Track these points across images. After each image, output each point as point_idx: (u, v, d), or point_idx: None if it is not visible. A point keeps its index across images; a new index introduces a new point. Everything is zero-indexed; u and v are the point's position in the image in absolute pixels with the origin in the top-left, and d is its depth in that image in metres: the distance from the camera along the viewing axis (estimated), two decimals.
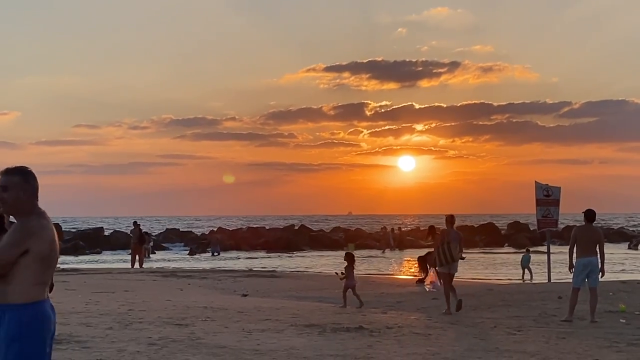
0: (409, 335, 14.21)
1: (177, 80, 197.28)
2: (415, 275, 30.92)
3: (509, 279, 33.83)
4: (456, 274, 19.39)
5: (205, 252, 59.79)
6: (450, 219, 19.71)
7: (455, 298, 18.64)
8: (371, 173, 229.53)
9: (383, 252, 59.77)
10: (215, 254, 57.38)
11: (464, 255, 21.31)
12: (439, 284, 20.65)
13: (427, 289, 24.65)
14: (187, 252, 59.65)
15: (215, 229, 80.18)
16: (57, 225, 56.98)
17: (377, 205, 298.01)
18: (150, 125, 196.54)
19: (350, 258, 20.53)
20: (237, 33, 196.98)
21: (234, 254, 58.94)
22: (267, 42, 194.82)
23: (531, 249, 36.76)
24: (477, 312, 18.40)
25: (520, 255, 37.91)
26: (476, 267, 42.84)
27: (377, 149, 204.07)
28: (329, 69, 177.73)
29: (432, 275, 23.94)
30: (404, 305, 20.03)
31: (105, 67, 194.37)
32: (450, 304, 18.55)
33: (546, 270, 29.09)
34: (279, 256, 56.49)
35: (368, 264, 47.34)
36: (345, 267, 20.33)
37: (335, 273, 22.19)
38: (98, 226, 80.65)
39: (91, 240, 64.19)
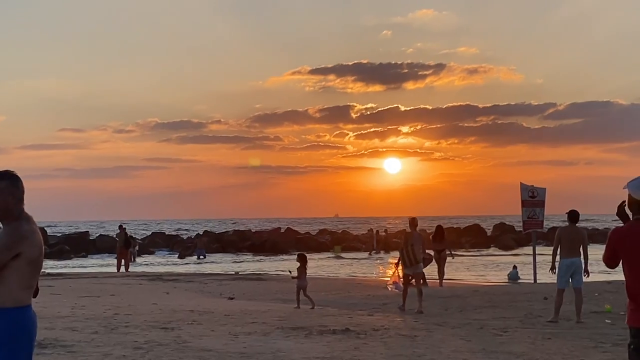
0: (395, 337, 14.22)
1: (163, 83, 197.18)
2: (402, 278, 30.87)
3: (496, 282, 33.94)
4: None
5: (192, 255, 59.62)
6: (413, 221, 20.40)
7: (419, 298, 19.21)
8: (357, 175, 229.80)
9: (370, 254, 59.84)
10: (202, 257, 57.24)
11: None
12: (400, 285, 21.07)
13: (390, 289, 25.13)
14: (177, 255, 59.40)
15: (201, 233, 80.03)
16: (42, 230, 56.93)
17: (364, 208, 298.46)
18: (136, 128, 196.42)
19: (302, 259, 20.84)
20: (222, 36, 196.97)
21: (219, 257, 58.87)
22: (253, 45, 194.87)
23: (517, 265, 36.25)
24: (463, 314, 18.43)
25: (507, 259, 38.20)
26: (462, 269, 42.94)
27: (363, 151, 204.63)
28: (314, 71, 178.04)
29: (395, 275, 24.38)
30: (390, 307, 20.04)
31: (90, 70, 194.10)
32: (405, 301, 19.30)
33: (532, 271, 29.16)
34: (265, 259, 56.46)
35: (354, 266, 47.40)
36: (297, 268, 20.54)
37: (289, 272, 22.30)
38: (83, 230, 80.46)
39: (77, 245, 63.95)
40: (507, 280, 33.39)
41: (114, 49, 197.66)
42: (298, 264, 20.70)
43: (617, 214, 6.68)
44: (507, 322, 16.63)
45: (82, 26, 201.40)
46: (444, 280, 28.89)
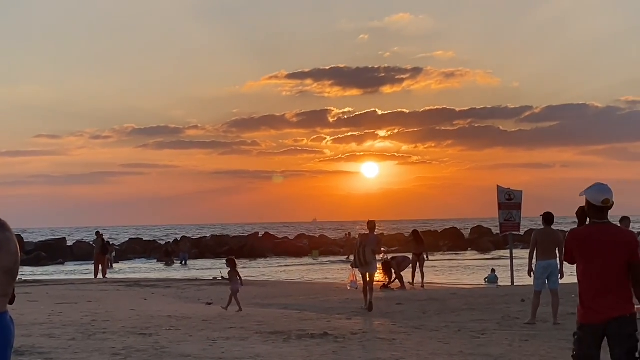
0: (374, 340, 14.25)
1: (139, 89, 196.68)
2: (380, 281, 31.02)
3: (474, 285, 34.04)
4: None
5: (176, 261, 59.19)
6: (370, 224, 21.78)
7: (368, 299, 20.34)
8: (335, 180, 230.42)
9: (348, 258, 59.86)
10: (184, 262, 57.20)
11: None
12: (356, 283, 23.06)
13: (348, 287, 26.52)
14: (163, 263, 58.83)
15: (179, 238, 79.75)
16: (18, 237, 56.53)
17: (342, 212, 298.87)
18: (112, 134, 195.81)
19: (232, 263, 21.09)
20: (198, 41, 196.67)
21: (199, 262, 58.66)
22: (229, 50, 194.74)
23: (495, 268, 36.38)
24: (441, 317, 18.49)
25: (485, 267, 38.24)
26: (440, 272, 43.08)
27: (340, 156, 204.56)
28: (291, 76, 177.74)
29: (352, 274, 25.31)
30: (368, 312, 20.05)
31: (66, 76, 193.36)
32: (366, 301, 20.41)
33: (509, 274, 29.31)
34: (243, 264, 56.39)
35: (332, 270, 47.44)
36: (229, 272, 20.76)
37: (222, 277, 22.53)
38: (60, 237, 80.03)
39: (53, 251, 63.60)
40: (484, 284, 33.48)
41: (90, 54, 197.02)
42: (229, 269, 20.99)
43: (577, 215, 7.39)
44: (484, 324, 16.70)
45: (57, 32, 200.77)
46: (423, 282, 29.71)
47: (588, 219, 7.34)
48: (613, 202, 7.29)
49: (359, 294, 24.27)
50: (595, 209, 7.23)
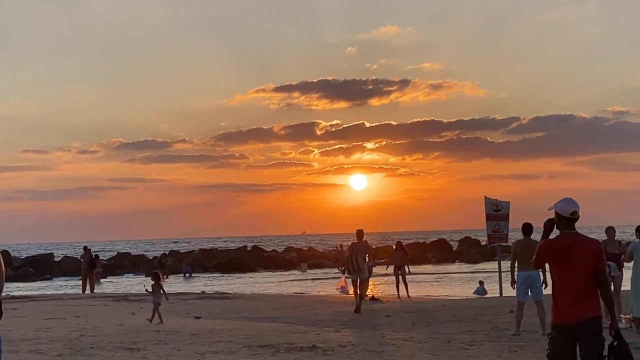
0: (362, 352, 14.23)
1: (126, 103, 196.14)
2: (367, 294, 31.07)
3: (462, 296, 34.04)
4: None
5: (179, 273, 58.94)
6: (359, 233, 23.15)
7: (357, 301, 22.54)
8: (323, 192, 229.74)
9: (339, 269, 59.81)
10: (187, 274, 57.15)
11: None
12: (347, 289, 24.51)
13: (338, 292, 27.88)
14: (144, 275, 58.58)
15: (167, 252, 79.53)
16: (5, 252, 56.33)
17: (331, 224, 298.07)
18: (100, 149, 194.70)
19: (156, 277, 21.59)
20: (185, 55, 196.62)
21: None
22: (216, 63, 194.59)
23: (483, 280, 36.47)
24: (430, 328, 18.50)
25: (474, 279, 38.19)
26: (428, 284, 43.11)
27: (328, 168, 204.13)
28: (278, 89, 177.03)
29: (342, 281, 25.99)
30: (357, 323, 20.07)
31: (53, 91, 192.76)
32: (360, 304, 22.38)
33: (497, 285, 29.33)
34: (231, 277, 56.27)
35: (321, 283, 47.38)
36: (152, 286, 21.22)
37: (146, 290, 22.84)
38: (48, 252, 79.68)
39: (41, 267, 63.26)
40: (473, 295, 33.49)
41: (77, 69, 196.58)
42: (152, 282, 21.41)
43: (545, 225, 8.24)
44: (473, 335, 16.71)
45: (43, 46, 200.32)
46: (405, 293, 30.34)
47: (556, 231, 8.13)
48: (579, 215, 8.06)
49: (348, 307, 24.30)
50: (565, 220, 8.02)
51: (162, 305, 21.35)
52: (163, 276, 56.10)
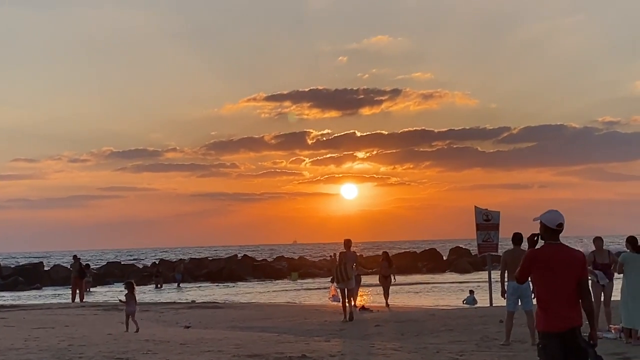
0: None
1: (117, 112, 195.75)
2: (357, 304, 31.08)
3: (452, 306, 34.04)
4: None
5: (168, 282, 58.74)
6: (347, 242, 23.62)
7: (349, 311, 23.23)
8: (314, 201, 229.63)
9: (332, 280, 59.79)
10: (178, 283, 56.97)
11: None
12: (339, 297, 24.48)
13: (330, 301, 28.12)
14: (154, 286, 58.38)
15: (157, 262, 79.40)
16: None
17: (322, 233, 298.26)
18: (91, 157, 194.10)
19: (130, 286, 21.90)
20: (177, 64, 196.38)
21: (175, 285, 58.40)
22: (207, 72, 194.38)
23: (473, 289, 36.52)
24: (419, 338, 18.48)
25: (464, 288, 38.12)
26: (419, 293, 43.11)
27: (319, 178, 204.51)
28: (269, 98, 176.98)
29: (333, 289, 26.88)
30: (346, 333, 20.05)
31: (43, 99, 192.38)
32: (346, 313, 23.09)
33: (487, 294, 29.34)
34: (222, 287, 56.19)
35: (311, 292, 47.33)
36: (125, 295, 21.47)
37: (119, 300, 23.17)
38: (38, 261, 79.44)
39: (31, 276, 63.08)
40: (463, 305, 33.50)
41: (67, 77, 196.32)
42: (126, 291, 21.67)
43: (529, 240, 8.50)
44: (463, 345, 16.70)
45: (34, 55, 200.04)
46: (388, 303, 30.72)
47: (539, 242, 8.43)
48: (564, 226, 8.36)
49: (338, 316, 24.29)
50: (551, 231, 8.28)
51: (151, 314, 21.36)
52: (158, 285, 56.29)
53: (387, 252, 33.49)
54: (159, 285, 56.77)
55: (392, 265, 31.91)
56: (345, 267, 23.10)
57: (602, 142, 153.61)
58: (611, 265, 18.00)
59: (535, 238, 8.42)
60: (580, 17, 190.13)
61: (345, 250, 23.53)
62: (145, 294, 49.48)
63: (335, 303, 26.66)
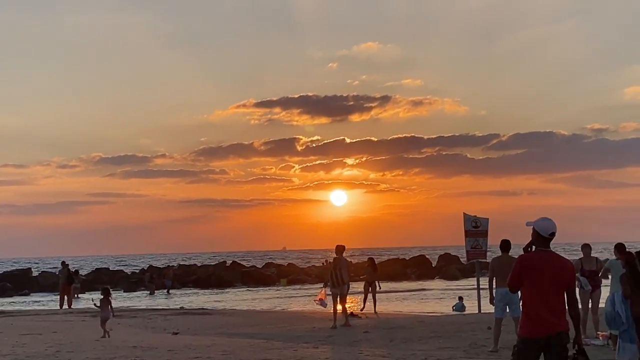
0: None
1: (106, 117, 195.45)
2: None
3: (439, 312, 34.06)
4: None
5: (161, 288, 58.54)
6: (341, 248, 23.72)
7: (343, 317, 23.50)
8: (304, 208, 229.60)
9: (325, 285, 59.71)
10: (168, 290, 56.76)
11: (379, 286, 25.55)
12: (326, 302, 24.83)
13: (316, 304, 27.81)
14: (122, 290, 58.23)
15: (145, 268, 79.27)
16: None
17: (311, 240, 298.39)
18: (80, 163, 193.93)
19: (105, 292, 22.00)
20: (166, 70, 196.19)
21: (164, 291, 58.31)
22: (197, 78, 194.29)
23: (462, 296, 36.65)
24: (408, 344, 18.48)
25: (453, 295, 38.12)
26: (407, 300, 43.10)
27: (308, 184, 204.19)
28: (259, 104, 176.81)
29: (322, 293, 26.58)
30: (335, 340, 20.03)
31: (32, 105, 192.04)
32: (336, 320, 23.13)
33: (476, 301, 29.37)
34: (210, 293, 56.09)
35: (300, 299, 47.29)
36: (100, 300, 21.51)
37: (94, 305, 23.01)
38: (26, 267, 79.18)
39: (18, 282, 62.87)
40: (452, 312, 33.52)
41: (57, 82, 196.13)
42: (101, 297, 21.78)
43: (524, 251, 8.63)
44: (451, 352, 16.71)
45: (23, 60, 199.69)
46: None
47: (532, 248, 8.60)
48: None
49: (327, 322, 24.27)
50: (542, 239, 8.44)
51: (140, 320, 21.31)
52: (152, 291, 56.02)
53: (373, 259, 33.39)
54: (152, 292, 56.62)
55: (376, 271, 31.94)
56: (341, 272, 23.32)
57: (591, 150, 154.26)
58: (598, 272, 18.05)
59: (529, 248, 8.58)
60: (569, 25, 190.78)
61: (338, 256, 23.64)
62: (139, 299, 49.40)
63: (321, 308, 26.63)
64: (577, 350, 8.31)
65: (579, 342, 8.37)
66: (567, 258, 8.75)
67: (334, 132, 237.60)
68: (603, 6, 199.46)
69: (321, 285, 57.21)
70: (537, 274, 8.30)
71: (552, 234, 8.45)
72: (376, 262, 33.39)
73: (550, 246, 8.53)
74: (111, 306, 21.69)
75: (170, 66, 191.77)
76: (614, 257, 17.20)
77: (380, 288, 31.74)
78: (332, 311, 24.12)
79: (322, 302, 26.39)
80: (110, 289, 23.02)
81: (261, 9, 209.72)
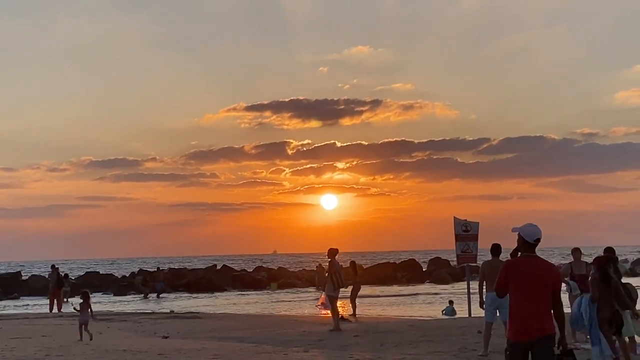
0: None
1: (97, 121, 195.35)
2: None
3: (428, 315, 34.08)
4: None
5: (154, 291, 58.32)
6: (334, 251, 23.67)
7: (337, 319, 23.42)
8: (294, 212, 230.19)
9: (318, 289, 59.67)
10: (159, 294, 56.53)
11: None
12: (329, 305, 24.51)
13: (318, 309, 28.46)
14: (112, 294, 58.00)
15: (136, 271, 79.10)
16: None
17: (302, 244, 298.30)
18: (70, 167, 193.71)
19: (85, 295, 22.02)
20: (157, 73, 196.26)
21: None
22: (188, 81, 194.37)
23: (453, 300, 36.80)
24: (398, 349, 18.48)
25: (443, 299, 38.13)
26: (398, 304, 43.11)
27: (299, 188, 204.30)
28: (250, 108, 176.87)
29: (323, 297, 26.93)
30: (325, 344, 20.01)
31: (22, 108, 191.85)
32: (337, 322, 23.21)
33: (466, 305, 29.38)
34: (201, 297, 56.00)
35: (290, 302, 47.28)
36: (80, 304, 21.64)
37: (74, 309, 23.26)
38: (15, 270, 78.93)
39: (8, 285, 62.62)
40: (442, 316, 33.54)
41: (47, 85, 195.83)
42: (81, 300, 21.85)
43: (511, 256, 9.02)
44: (441, 356, 16.71)
45: (13, 63, 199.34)
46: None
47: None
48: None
49: (317, 326, 24.29)
50: (528, 244, 8.65)
51: (129, 324, 21.26)
52: (146, 294, 55.73)
53: (355, 262, 33.78)
54: (146, 295, 56.38)
55: (357, 274, 32.15)
56: (339, 274, 23.52)
57: (581, 154, 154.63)
58: (588, 276, 18.07)
59: (518, 254, 8.80)
60: (560, 30, 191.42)
61: (332, 259, 23.67)
62: (129, 303, 49.29)
63: (317, 311, 26.77)
64: (562, 351, 8.52)
65: (563, 344, 8.57)
66: (554, 262, 8.86)
67: (324, 136, 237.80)
68: (593, 11, 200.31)
69: (313, 289, 57.69)
70: (523, 279, 8.50)
71: (537, 240, 8.64)
72: (358, 266, 33.70)
73: (546, 250, 8.61)
74: (91, 309, 21.70)
75: (161, 70, 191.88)
76: None
77: (358, 290, 31.87)
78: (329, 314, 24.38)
79: (325, 306, 26.45)
80: (90, 293, 22.97)
81: (252, 12, 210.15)
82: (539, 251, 8.89)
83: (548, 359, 8.45)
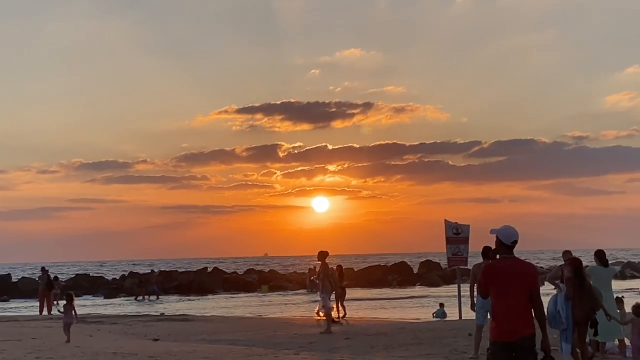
0: None
1: (87, 123, 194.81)
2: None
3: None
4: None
5: (147, 293, 58.12)
6: (325, 254, 23.79)
7: (325, 324, 23.66)
8: (285, 214, 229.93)
9: (314, 292, 59.63)
10: (152, 297, 56.28)
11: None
12: (329, 306, 24.83)
13: (320, 314, 27.58)
14: (102, 297, 57.91)
15: (126, 274, 79.01)
16: None
17: (293, 246, 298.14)
18: (60, 169, 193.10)
19: (68, 297, 22.04)
20: (148, 75, 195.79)
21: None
22: (178, 83, 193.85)
23: (444, 302, 36.89)
24: (389, 351, 18.49)
25: (434, 302, 38.14)
26: (388, 306, 43.14)
27: (290, 190, 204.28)
28: (241, 110, 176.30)
29: (320, 305, 26.70)
30: (316, 346, 20.02)
31: (12, 109, 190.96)
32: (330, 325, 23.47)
33: (457, 308, 29.41)
34: (191, 299, 55.96)
35: (281, 305, 47.26)
36: (64, 306, 21.74)
37: (58, 310, 23.36)
38: (5, 273, 78.74)
39: None
40: (433, 318, 33.56)
41: (37, 87, 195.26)
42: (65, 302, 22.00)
43: (483, 253, 9.75)
44: (432, 358, 16.74)
45: (3, 65, 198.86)
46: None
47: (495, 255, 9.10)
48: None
49: (308, 329, 24.29)
50: (505, 247, 8.81)
51: (120, 327, 21.23)
52: (140, 297, 55.57)
53: (342, 266, 34.09)
54: (140, 298, 56.12)
55: (342, 278, 32.43)
56: (334, 277, 24.22)
57: (572, 157, 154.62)
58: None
59: (497, 255, 8.99)
60: (550, 33, 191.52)
61: (324, 262, 23.90)
62: (125, 306, 49.23)
63: (313, 314, 26.90)
64: (545, 357, 8.64)
65: (546, 345, 8.73)
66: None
67: (316, 138, 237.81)
68: (584, 15, 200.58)
69: (304, 291, 57.69)
70: (501, 281, 8.68)
71: (515, 242, 8.80)
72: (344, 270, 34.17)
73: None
74: (75, 311, 21.69)
75: (151, 72, 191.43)
76: (594, 263, 17.30)
77: (343, 295, 32.05)
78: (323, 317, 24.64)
79: (327, 307, 26.56)
80: (74, 295, 22.92)
81: (243, 15, 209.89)
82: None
83: (530, 358, 8.58)
